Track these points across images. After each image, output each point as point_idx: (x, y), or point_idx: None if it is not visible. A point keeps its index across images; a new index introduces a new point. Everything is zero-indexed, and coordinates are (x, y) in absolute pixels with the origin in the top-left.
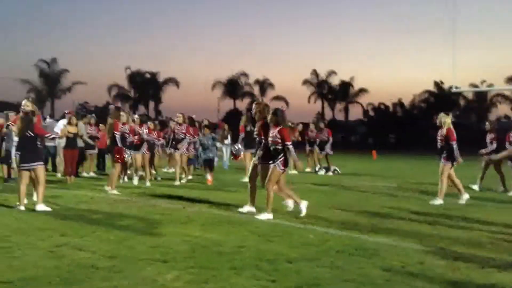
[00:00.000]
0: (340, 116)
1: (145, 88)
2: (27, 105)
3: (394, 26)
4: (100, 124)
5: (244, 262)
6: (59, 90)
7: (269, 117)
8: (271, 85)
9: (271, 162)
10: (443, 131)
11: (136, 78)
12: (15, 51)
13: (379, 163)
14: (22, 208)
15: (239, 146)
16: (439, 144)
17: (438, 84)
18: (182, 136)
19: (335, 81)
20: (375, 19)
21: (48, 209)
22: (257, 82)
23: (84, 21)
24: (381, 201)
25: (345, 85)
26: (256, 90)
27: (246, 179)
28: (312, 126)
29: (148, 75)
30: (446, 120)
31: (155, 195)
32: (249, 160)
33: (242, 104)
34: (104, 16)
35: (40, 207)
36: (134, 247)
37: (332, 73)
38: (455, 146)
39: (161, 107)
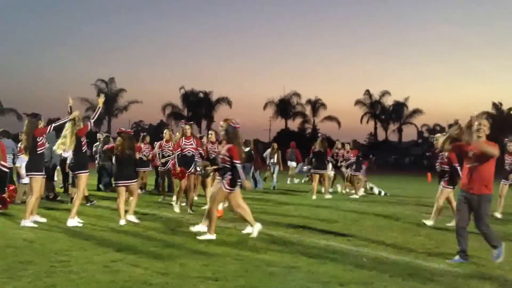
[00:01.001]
0: (393, 137)
1: (198, 107)
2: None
3: (450, 45)
4: (156, 142)
5: (295, 283)
6: (116, 108)
7: (221, 133)
8: (323, 105)
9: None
10: (445, 153)
11: (189, 97)
12: (76, 71)
13: (434, 185)
14: (123, 222)
15: (307, 166)
16: (438, 168)
17: (496, 106)
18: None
19: (388, 101)
20: (429, 39)
21: (137, 221)
22: (309, 102)
23: (141, 42)
24: (437, 224)
25: (399, 106)
26: (308, 110)
27: (314, 197)
28: (347, 147)
29: (201, 95)
30: None
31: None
32: (317, 180)
33: (293, 124)
34: (159, 37)
35: (131, 217)
36: (186, 265)
37: (385, 93)
38: (458, 168)
39: (213, 126)
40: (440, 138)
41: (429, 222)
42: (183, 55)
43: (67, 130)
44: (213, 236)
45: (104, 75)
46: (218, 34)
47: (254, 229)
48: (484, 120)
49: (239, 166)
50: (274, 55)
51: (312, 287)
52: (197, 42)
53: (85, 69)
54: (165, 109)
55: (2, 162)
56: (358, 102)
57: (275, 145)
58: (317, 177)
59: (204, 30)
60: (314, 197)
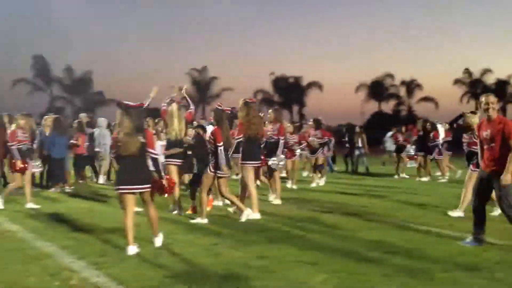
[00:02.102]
0: None
1: (289, 93)
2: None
3: None
4: None
5: (395, 269)
6: (209, 96)
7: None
8: (418, 85)
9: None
10: (475, 133)
11: (280, 83)
12: (172, 61)
13: None
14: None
15: (412, 148)
16: (466, 149)
17: None
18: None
19: (490, 80)
20: None
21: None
22: (403, 83)
23: (232, 31)
24: None
25: (502, 84)
26: (402, 91)
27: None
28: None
29: (291, 80)
30: (474, 121)
31: (300, 199)
32: (425, 162)
33: (387, 107)
34: (250, 24)
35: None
36: (283, 249)
37: (487, 71)
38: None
39: (304, 110)
40: (471, 118)
41: (455, 213)
42: (274, 40)
43: (174, 116)
44: (205, 221)
45: (198, 63)
46: (309, 19)
47: (200, 219)
48: (490, 97)
49: (220, 149)
50: (365, 35)
51: (413, 274)
52: (286, 27)
53: (180, 58)
54: (256, 95)
55: (151, 150)
56: (457, 81)
57: (358, 129)
58: (421, 160)
59: (293, 14)
60: (426, 179)
